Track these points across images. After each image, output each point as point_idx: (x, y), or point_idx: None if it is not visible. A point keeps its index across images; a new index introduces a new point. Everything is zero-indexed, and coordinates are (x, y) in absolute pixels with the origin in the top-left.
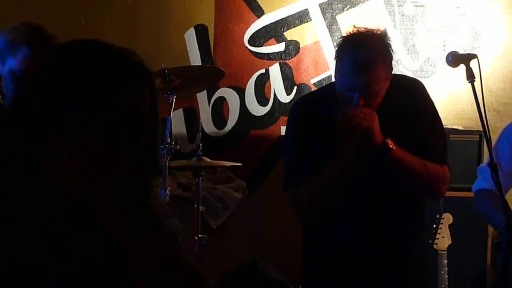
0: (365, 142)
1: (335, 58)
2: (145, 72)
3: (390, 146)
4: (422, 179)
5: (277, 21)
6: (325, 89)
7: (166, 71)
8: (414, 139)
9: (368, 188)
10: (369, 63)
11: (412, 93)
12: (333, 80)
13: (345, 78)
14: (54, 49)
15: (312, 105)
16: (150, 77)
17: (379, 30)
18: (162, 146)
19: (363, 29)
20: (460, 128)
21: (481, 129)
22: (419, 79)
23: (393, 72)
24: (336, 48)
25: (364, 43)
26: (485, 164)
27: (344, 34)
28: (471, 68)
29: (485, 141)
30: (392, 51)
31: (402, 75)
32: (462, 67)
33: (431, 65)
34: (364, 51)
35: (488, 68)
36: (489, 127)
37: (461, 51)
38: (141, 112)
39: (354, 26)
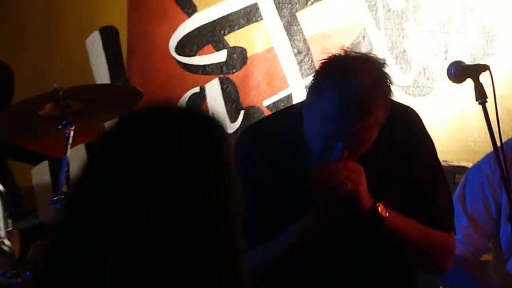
0: (349, 208)
1: (310, 88)
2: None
3: (382, 214)
4: (422, 252)
5: (215, 20)
6: (285, 116)
7: (61, 92)
8: (410, 197)
9: (344, 255)
10: (366, 107)
11: (406, 131)
12: (295, 102)
13: (324, 122)
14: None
15: (266, 138)
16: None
17: (374, 55)
18: (56, 197)
19: (352, 52)
20: (470, 165)
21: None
22: (412, 98)
23: None
24: (314, 76)
25: (358, 77)
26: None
27: (323, 56)
28: (481, 84)
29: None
30: (391, 83)
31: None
32: (469, 82)
33: (428, 79)
34: (359, 89)
35: (506, 83)
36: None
37: (468, 61)
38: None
39: (341, 48)
